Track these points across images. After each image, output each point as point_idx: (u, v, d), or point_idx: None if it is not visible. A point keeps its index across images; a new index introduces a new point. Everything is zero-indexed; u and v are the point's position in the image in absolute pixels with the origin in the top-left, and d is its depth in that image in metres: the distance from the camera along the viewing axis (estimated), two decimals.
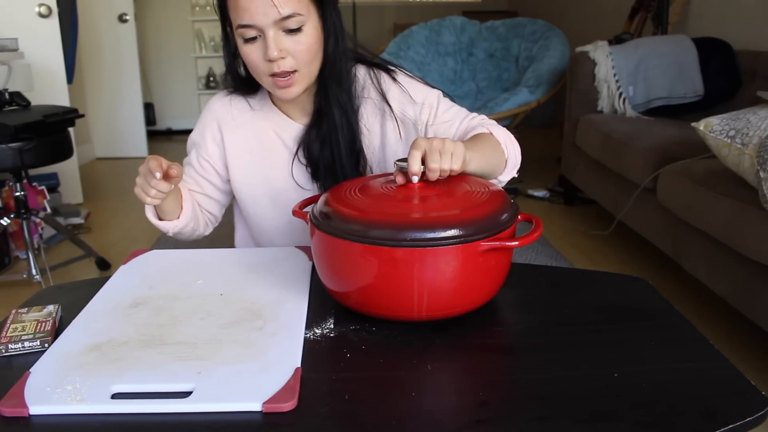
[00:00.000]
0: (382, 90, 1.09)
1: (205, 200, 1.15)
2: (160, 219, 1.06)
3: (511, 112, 3.44)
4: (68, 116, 2.35)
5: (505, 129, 1.05)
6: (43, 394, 0.62)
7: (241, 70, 1.08)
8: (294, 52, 0.96)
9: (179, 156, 1.10)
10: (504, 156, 1.01)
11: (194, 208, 1.11)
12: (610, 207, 2.68)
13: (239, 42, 0.98)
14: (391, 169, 1.01)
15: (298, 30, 0.96)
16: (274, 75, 0.97)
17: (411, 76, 1.12)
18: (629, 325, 0.78)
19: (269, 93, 1.11)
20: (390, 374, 0.67)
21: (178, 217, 1.06)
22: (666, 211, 2.11)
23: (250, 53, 0.97)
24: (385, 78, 1.10)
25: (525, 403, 0.62)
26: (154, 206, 1.03)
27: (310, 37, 0.97)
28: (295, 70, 0.98)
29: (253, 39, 0.96)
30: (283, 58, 0.96)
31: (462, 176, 0.86)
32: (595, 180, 2.86)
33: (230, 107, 1.13)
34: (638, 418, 0.59)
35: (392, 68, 1.12)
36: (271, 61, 0.96)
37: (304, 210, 0.87)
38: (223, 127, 1.12)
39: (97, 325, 0.77)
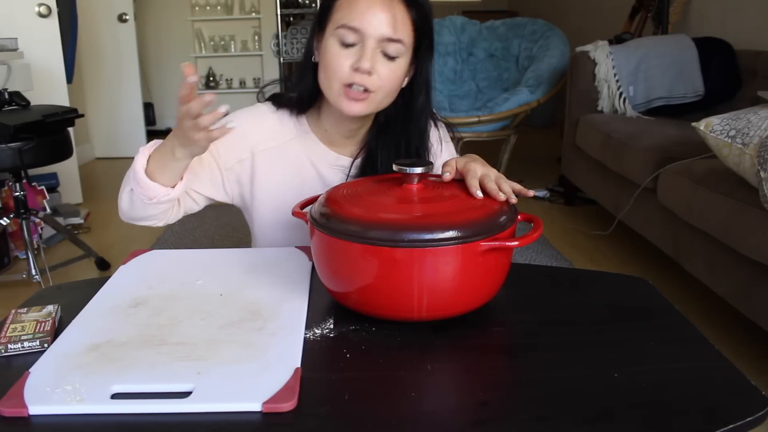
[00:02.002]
0: (441, 144, 1.15)
1: (185, 195, 1.06)
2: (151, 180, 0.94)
3: (511, 112, 3.44)
4: (68, 116, 2.35)
5: None
6: (43, 394, 0.62)
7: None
8: (382, 75, 0.97)
9: None
10: None
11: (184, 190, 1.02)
12: (610, 207, 2.68)
13: (329, 43, 0.97)
14: None
15: (393, 58, 0.97)
16: (350, 85, 0.97)
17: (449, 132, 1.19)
18: (629, 325, 0.78)
19: (307, 119, 1.10)
20: (390, 374, 0.67)
21: (173, 186, 0.96)
22: (666, 211, 2.11)
23: (338, 56, 0.96)
24: (443, 133, 1.16)
25: (525, 403, 0.62)
26: (148, 163, 0.93)
27: (400, 71, 0.99)
28: (372, 92, 0.98)
29: (349, 45, 0.96)
30: (370, 74, 0.96)
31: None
32: (595, 180, 2.86)
33: (280, 127, 1.09)
34: (638, 418, 0.59)
35: (441, 121, 1.17)
36: (358, 70, 0.95)
37: (304, 210, 0.87)
38: (258, 147, 1.07)
39: (96, 325, 0.76)
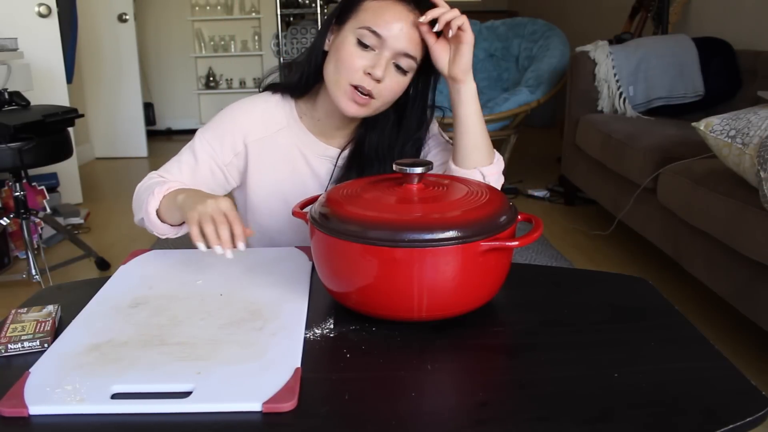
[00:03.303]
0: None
1: None
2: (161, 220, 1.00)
3: (511, 112, 3.44)
4: (68, 116, 2.35)
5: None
6: (43, 394, 0.62)
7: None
8: (387, 85, 1.00)
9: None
10: (491, 148, 1.12)
11: None
12: (610, 207, 2.68)
13: (348, 40, 0.99)
14: None
15: (402, 72, 1.00)
16: (356, 87, 0.98)
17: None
18: (629, 325, 0.78)
19: (296, 110, 1.11)
20: (390, 374, 0.67)
21: (181, 224, 1.00)
22: (666, 211, 2.11)
23: (354, 55, 0.98)
24: (435, 128, 1.18)
25: (525, 403, 0.62)
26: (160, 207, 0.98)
27: (404, 84, 1.02)
28: (374, 99, 1.00)
29: (366, 47, 0.98)
30: (378, 81, 0.98)
31: (461, 178, 0.87)
32: (595, 180, 2.86)
33: (270, 117, 1.10)
34: (638, 418, 0.59)
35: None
36: (368, 75, 0.98)
37: (304, 210, 0.87)
38: (249, 137, 1.09)
39: (96, 325, 0.77)
